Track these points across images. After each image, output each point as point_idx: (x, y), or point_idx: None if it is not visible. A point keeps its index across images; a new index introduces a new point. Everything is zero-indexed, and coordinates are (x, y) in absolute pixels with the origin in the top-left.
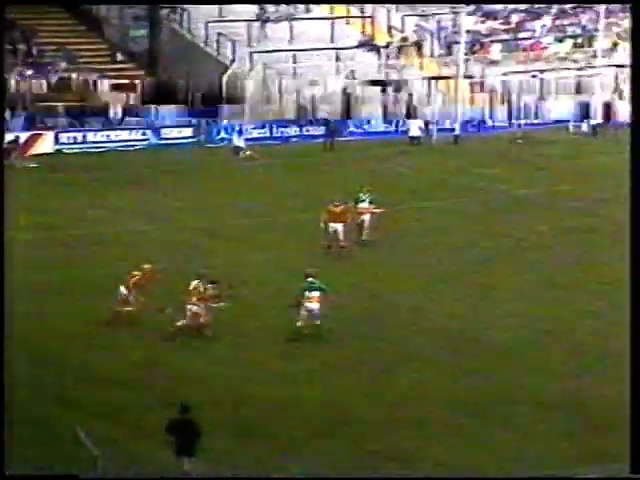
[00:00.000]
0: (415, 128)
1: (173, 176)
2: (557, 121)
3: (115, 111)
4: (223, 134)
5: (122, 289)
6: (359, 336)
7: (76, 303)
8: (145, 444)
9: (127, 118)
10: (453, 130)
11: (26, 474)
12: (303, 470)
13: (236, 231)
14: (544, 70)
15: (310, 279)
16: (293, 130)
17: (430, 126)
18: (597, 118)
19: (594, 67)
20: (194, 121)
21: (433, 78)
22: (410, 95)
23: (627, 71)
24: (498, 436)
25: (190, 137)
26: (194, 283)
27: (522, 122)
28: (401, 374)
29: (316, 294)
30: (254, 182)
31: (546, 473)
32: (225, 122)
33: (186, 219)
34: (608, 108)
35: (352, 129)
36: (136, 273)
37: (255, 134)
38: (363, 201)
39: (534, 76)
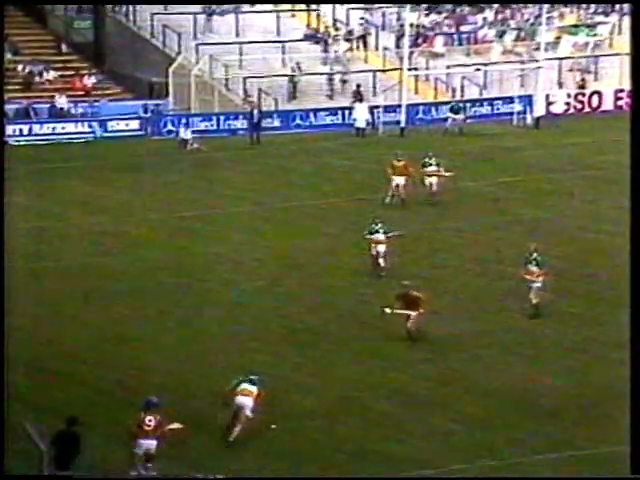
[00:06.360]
0: (361, 119)
1: (121, 169)
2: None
3: (61, 102)
4: (170, 126)
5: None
6: None
7: None
8: None
9: (73, 110)
10: (399, 123)
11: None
12: None
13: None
14: (487, 63)
15: None
16: (240, 122)
17: (376, 113)
18: (540, 110)
19: (536, 60)
20: (141, 113)
21: (378, 70)
22: (358, 85)
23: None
24: None
25: (137, 129)
26: None
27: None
28: None
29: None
30: (203, 175)
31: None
32: (172, 114)
33: (138, 212)
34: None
35: (298, 122)
36: None
37: (202, 126)
38: (430, 165)
39: (478, 69)
